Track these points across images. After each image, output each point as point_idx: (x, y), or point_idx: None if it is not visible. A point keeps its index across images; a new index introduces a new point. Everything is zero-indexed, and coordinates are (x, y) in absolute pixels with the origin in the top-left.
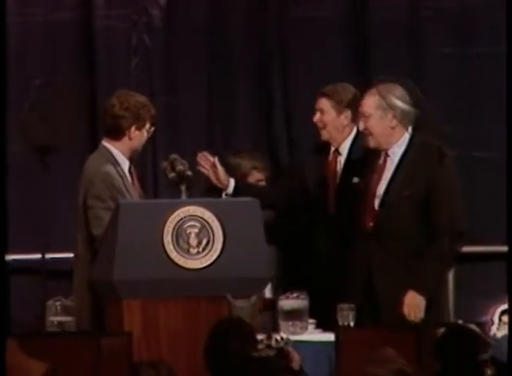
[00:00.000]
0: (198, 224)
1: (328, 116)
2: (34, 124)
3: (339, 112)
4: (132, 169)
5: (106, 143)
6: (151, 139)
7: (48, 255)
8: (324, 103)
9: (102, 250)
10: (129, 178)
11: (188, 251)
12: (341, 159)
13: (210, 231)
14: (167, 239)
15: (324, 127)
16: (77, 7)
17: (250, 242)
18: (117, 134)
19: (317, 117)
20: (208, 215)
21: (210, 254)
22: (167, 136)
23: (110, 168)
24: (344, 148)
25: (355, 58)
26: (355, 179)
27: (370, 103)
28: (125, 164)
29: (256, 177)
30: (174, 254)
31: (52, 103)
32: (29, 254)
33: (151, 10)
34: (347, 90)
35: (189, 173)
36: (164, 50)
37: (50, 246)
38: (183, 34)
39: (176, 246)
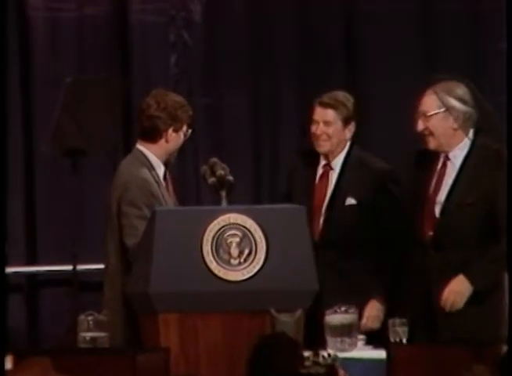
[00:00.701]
0: (239, 233)
1: (334, 128)
2: (63, 125)
3: (345, 124)
4: (168, 175)
5: (141, 146)
6: (192, 142)
7: (80, 266)
8: (330, 115)
9: (138, 260)
10: (164, 185)
11: (228, 262)
12: (333, 174)
13: (252, 240)
14: (207, 249)
15: (327, 139)
16: (111, 1)
17: (296, 252)
18: (152, 136)
19: (322, 128)
20: (250, 224)
21: (252, 265)
22: (209, 139)
23: (147, 173)
24: (338, 163)
25: (421, 53)
26: (351, 201)
27: (432, 101)
28: (160, 169)
29: None
30: (213, 266)
31: (83, 102)
32: (59, 265)
33: (190, 4)
34: (350, 100)
35: (230, 178)
36: (204, 47)
37: (82, 256)
38: (225, 30)
39: (216, 256)
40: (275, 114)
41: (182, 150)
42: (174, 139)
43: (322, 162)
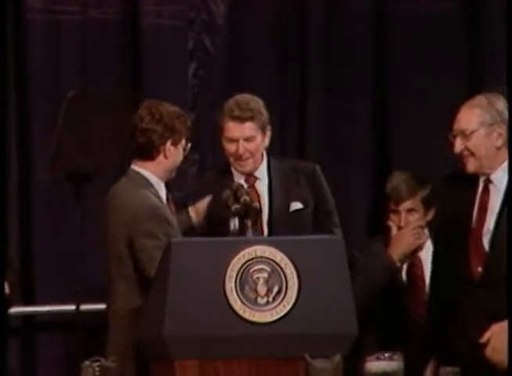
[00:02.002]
0: (268, 268)
1: (255, 143)
2: (65, 146)
3: (264, 133)
4: (170, 197)
5: (136, 167)
6: (212, 164)
7: (84, 307)
8: (250, 129)
9: (150, 299)
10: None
11: (255, 301)
12: (261, 183)
13: (282, 276)
14: (230, 286)
15: (250, 157)
16: (120, 2)
17: (332, 290)
18: (149, 153)
19: (243, 147)
20: (280, 257)
21: (282, 304)
22: None
23: (153, 197)
24: (262, 171)
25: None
26: (298, 205)
27: (470, 118)
28: (162, 191)
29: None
30: (238, 305)
31: (88, 119)
32: (60, 305)
33: (212, 5)
34: (260, 103)
35: (257, 205)
36: (228, 55)
37: (86, 295)
38: (252, 35)
39: (241, 295)
40: (302, 129)
41: (201, 174)
42: (174, 154)
43: (240, 177)
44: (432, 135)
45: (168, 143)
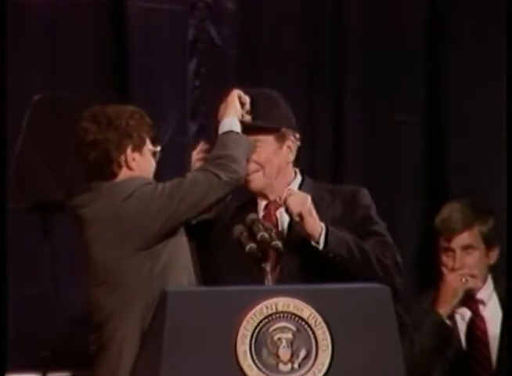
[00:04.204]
0: (292, 326)
1: (265, 150)
2: (29, 166)
3: (282, 141)
4: None
5: None
6: None
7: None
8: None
9: (141, 364)
10: None
11: (276, 368)
12: (283, 211)
13: (311, 337)
14: (243, 349)
15: (258, 169)
16: None
17: (376, 355)
18: (108, 169)
19: None
20: (309, 312)
21: (311, 372)
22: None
23: None
24: None
25: None
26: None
27: None
28: None
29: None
30: (254, 373)
31: (57, 131)
32: (23, 374)
33: None
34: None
35: (278, 244)
36: (239, 48)
37: (57, 359)
38: (271, 23)
39: (257, 360)
40: (336, 139)
41: None
42: (140, 162)
43: (262, 203)
44: (497, 155)
45: (129, 150)
